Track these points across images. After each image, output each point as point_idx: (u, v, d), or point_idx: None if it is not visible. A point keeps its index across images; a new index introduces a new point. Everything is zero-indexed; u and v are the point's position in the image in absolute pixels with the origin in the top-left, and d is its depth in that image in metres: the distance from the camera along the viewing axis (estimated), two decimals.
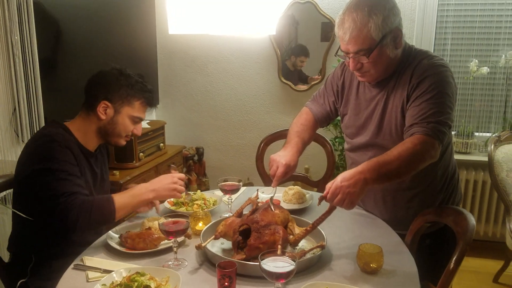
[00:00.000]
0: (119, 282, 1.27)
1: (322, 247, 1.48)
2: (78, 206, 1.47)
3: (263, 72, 3.82)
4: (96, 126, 1.73)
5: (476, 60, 3.28)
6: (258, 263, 1.22)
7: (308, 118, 1.97)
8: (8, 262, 1.73)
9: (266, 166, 2.70)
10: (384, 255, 1.41)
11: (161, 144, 3.37)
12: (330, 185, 1.46)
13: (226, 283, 1.29)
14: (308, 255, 1.45)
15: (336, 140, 3.27)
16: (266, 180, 2.63)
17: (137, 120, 1.78)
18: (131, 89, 1.72)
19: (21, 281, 1.60)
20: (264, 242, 1.43)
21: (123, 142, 1.81)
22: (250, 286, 1.34)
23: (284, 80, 3.74)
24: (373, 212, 1.88)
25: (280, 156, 1.75)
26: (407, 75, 1.62)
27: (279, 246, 1.33)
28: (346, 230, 1.75)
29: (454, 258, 1.30)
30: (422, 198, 1.76)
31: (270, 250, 1.32)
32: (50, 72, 2.67)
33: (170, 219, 1.51)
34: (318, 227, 1.60)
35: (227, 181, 1.89)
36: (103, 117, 1.70)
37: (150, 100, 1.80)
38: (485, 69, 3.25)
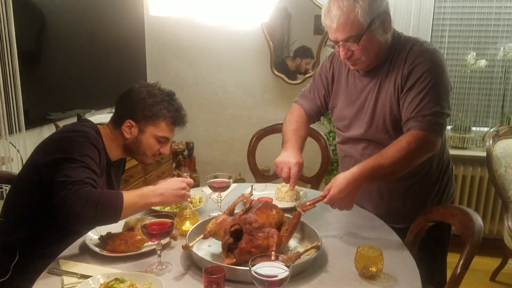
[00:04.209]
0: None
1: (318, 248, 1.38)
2: (86, 195, 1.36)
3: (255, 65, 3.71)
4: (121, 142, 1.71)
5: (474, 53, 3.20)
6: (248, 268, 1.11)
7: (301, 115, 1.92)
8: None
9: (258, 161, 2.61)
10: (384, 258, 1.31)
11: None
12: (327, 192, 1.48)
13: None
14: (303, 257, 1.35)
15: (331, 134, 3.18)
16: (258, 176, 2.53)
17: (162, 140, 1.72)
18: (156, 108, 1.67)
19: (0, 280, 1.49)
20: (257, 246, 1.32)
21: (149, 161, 1.79)
22: None
23: (276, 73, 3.63)
24: (368, 205, 1.81)
25: (287, 157, 1.68)
26: (399, 63, 1.59)
27: (273, 253, 1.22)
28: (343, 230, 1.65)
29: (461, 263, 1.21)
30: (419, 189, 1.72)
31: (262, 254, 1.21)
32: (31, 62, 2.54)
33: (153, 220, 1.40)
34: (312, 227, 1.52)
35: (217, 177, 1.79)
36: (127, 136, 1.69)
37: (176, 119, 1.73)
38: (483, 62, 3.17)
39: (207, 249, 1.48)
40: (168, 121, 1.70)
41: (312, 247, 1.39)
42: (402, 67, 1.57)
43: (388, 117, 1.62)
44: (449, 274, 1.82)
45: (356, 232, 1.63)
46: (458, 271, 1.20)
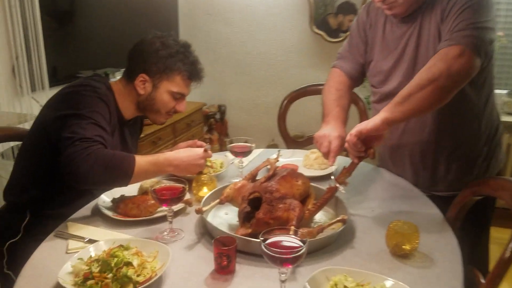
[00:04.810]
0: (97, 256, 1.07)
1: (344, 221, 1.23)
2: (96, 154, 1.27)
3: (292, 22, 3.49)
4: (135, 98, 1.59)
5: None
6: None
7: (342, 80, 1.70)
8: (2, 211, 1.59)
9: (289, 126, 2.45)
10: (421, 234, 1.15)
11: None
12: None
13: (224, 262, 1.09)
14: (326, 232, 1.21)
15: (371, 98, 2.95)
16: (289, 141, 2.39)
17: (178, 97, 1.60)
18: (170, 61, 1.54)
19: (10, 241, 1.46)
20: (275, 218, 1.20)
21: (162, 120, 1.67)
22: (253, 266, 1.12)
23: (316, 30, 3.40)
24: (409, 171, 1.63)
25: (329, 131, 1.49)
26: (439, 0, 1.42)
27: (292, 227, 1.09)
28: (375, 202, 1.49)
29: (510, 245, 1.03)
30: (465, 151, 1.55)
31: (280, 227, 1.08)
32: (61, 19, 2.47)
33: (165, 184, 1.30)
34: (340, 198, 1.37)
35: (246, 142, 1.66)
36: (141, 91, 1.56)
37: (192, 73, 1.59)
38: None
39: (224, 217, 1.37)
40: (184, 75, 1.56)
41: (337, 221, 1.24)
42: (441, 1, 1.41)
43: None
44: (491, 249, 1.65)
45: (390, 204, 1.48)
46: (508, 255, 1.02)
